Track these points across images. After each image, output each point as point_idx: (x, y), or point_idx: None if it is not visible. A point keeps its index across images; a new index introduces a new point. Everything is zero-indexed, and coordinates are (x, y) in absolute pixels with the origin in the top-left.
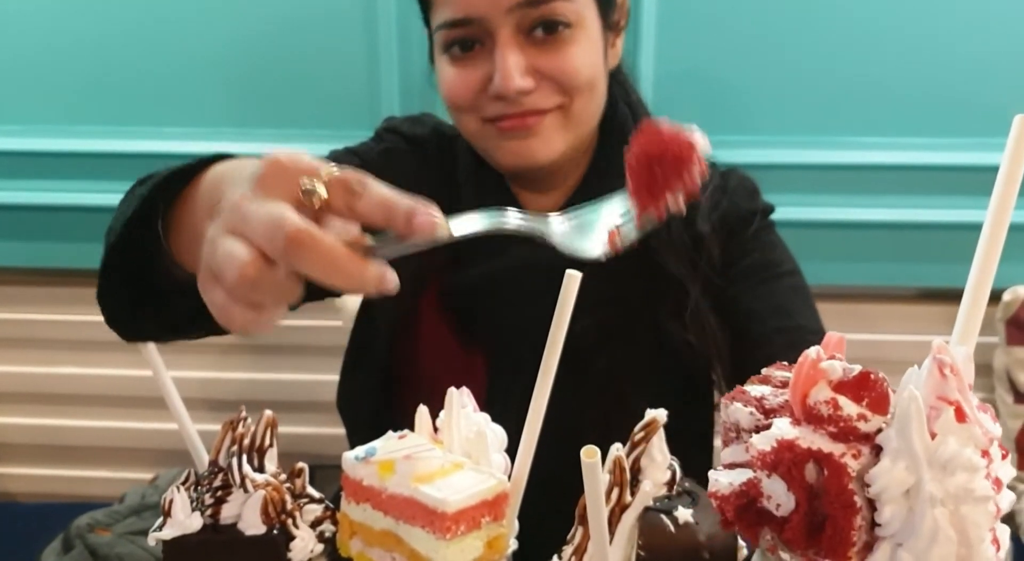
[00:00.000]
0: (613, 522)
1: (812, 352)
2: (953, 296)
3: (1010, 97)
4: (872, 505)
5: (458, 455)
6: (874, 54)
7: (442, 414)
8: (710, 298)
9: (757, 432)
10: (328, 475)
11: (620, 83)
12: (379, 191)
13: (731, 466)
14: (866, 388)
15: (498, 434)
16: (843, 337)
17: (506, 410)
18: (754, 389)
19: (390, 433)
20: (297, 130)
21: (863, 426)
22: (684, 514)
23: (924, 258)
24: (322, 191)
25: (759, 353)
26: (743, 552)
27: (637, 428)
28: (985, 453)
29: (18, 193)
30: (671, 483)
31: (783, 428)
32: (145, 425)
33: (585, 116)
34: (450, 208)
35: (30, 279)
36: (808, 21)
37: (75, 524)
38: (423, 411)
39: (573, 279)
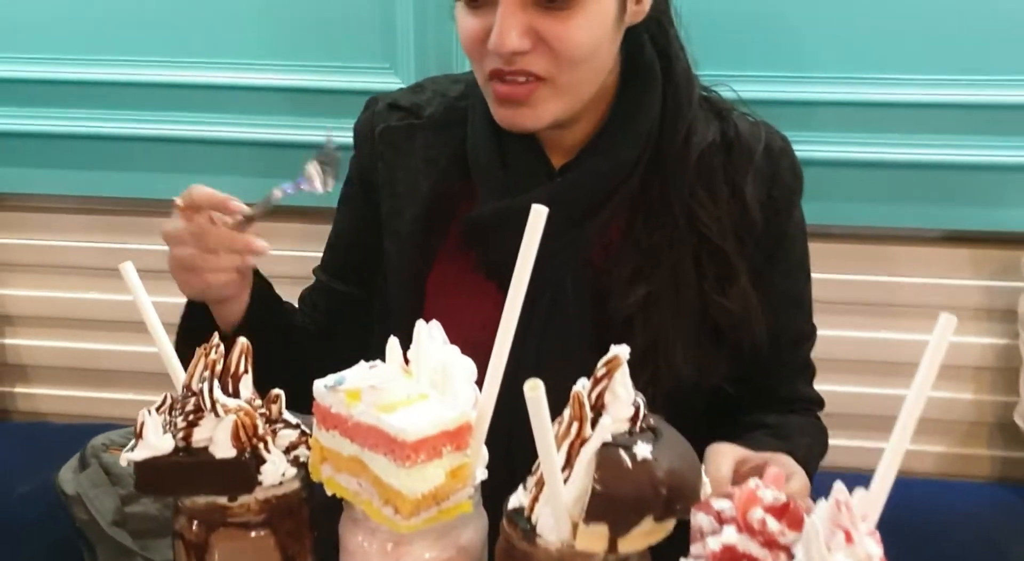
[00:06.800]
0: (572, 455)
1: (752, 483)
2: (976, 239)
3: None
4: None
5: (425, 386)
6: None
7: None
8: (750, 273)
9: (713, 535)
10: None
11: (648, 29)
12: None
13: (695, 557)
14: (787, 512)
15: (467, 367)
16: (781, 473)
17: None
18: (716, 503)
19: (362, 363)
20: (312, 62)
21: (782, 539)
22: (643, 450)
23: (948, 200)
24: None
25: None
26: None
27: (600, 364)
28: None
29: (46, 121)
30: (634, 419)
31: (728, 536)
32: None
33: (579, 84)
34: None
35: (56, 206)
36: None
37: (91, 444)
38: (394, 342)
39: (539, 214)
